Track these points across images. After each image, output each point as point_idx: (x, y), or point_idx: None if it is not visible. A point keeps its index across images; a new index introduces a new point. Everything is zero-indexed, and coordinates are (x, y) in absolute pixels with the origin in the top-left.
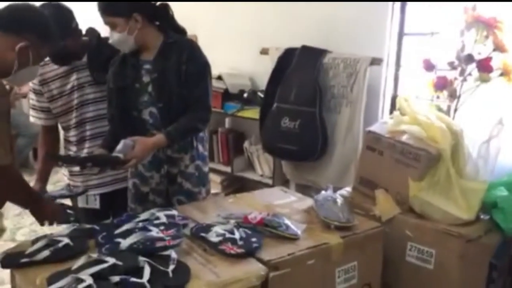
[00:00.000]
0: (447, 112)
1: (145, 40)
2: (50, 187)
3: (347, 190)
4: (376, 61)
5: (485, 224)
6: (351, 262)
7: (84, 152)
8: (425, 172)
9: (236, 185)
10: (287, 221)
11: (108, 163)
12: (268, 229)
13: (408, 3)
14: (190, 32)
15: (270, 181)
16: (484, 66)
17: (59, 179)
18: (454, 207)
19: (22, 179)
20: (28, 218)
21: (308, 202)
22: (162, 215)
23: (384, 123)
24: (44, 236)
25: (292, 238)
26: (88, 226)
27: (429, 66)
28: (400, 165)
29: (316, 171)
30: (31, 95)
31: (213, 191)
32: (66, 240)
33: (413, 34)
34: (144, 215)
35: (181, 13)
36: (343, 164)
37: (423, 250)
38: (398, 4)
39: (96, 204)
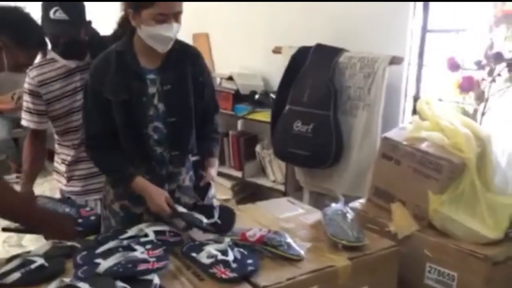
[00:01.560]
0: (474, 116)
1: None
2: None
3: (360, 202)
4: (396, 60)
5: None
6: (361, 287)
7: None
8: (447, 184)
9: (247, 191)
10: (289, 240)
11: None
12: (267, 248)
13: None
14: (201, 30)
15: (282, 188)
16: None
17: (54, 186)
18: (479, 224)
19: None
20: None
21: (317, 215)
22: (150, 232)
23: (402, 129)
24: (19, 255)
25: (294, 259)
26: (68, 243)
27: (453, 66)
28: (419, 176)
29: (330, 179)
30: (26, 97)
31: (223, 197)
32: (40, 261)
33: (437, 31)
34: (132, 231)
35: (192, 10)
36: (360, 172)
37: (444, 273)
38: None
39: (96, 209)
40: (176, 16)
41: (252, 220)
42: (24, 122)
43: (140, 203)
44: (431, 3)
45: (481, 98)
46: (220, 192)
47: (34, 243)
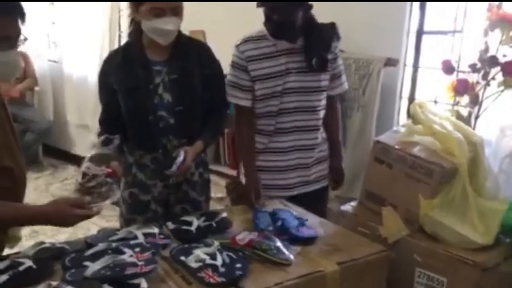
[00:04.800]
0: (468, 119)
1: None
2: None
3: (351, 205)
4: (391, 62)
5: (505, 250)
6: None
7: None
8: (438, 189)
9: (242, 189)
10: (278, 243)
11: None
12: (257, 252)
13: None
14: (197, 26)
15: None
16: (509, 70)
17: (48, 182)
18: (469, 229)
19: None
20: None
21: (309, 218)
22: (140, 234)
23: (395, 132)
24: (7, 257)
25: (283, 264)
26: (58, 245)
27: (448, 68)
28: (410, 180)
29: None
30: (230, 70)
31: (218, 195)
32: (28, 263)
33: (434, 32)
34: (121, 233)
35: (188, 6)
36: (353, 173)
37: (434, 278)
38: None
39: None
40: (174, 11)
41: (244, 222)
42: (230, 99)
43: (148, 192)
44: (428, 5)
45: (475, 101)
46: (215, 190)
47: (27, 238)
